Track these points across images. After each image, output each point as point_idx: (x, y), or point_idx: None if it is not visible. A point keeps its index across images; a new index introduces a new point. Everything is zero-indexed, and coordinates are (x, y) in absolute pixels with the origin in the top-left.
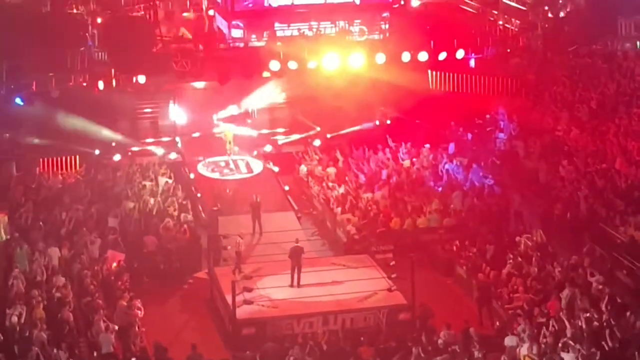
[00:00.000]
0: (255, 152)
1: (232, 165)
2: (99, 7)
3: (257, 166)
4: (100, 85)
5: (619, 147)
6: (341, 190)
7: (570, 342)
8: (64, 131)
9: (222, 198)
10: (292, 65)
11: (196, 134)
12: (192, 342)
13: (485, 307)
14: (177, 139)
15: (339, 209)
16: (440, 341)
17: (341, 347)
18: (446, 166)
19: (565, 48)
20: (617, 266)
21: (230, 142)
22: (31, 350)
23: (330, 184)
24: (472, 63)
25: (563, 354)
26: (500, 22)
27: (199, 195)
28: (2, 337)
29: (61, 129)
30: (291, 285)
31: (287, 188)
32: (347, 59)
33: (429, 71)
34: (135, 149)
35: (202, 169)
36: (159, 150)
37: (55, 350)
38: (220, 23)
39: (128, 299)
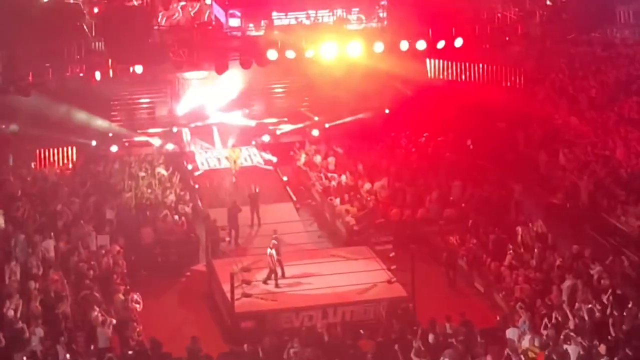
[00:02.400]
0: (253, 142)
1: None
2: None
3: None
4: (97, 75)
5: (619, 136)
6: (340, 180)
7: (572, 334)
8: (61, 122)
9: (220, 189)
10: (290, 54)
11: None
12: (191, 335)
13: (452, 269)
14: (175, 129)
15: (338, 200)
16: (440, 334)
17: (341, 340)
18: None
19: (564, 36)
20: (619, 257)
21: (235, 162)
22: (29, 345)
23: (329, 174)
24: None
25: (565, 346)
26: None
27: (196, 186)
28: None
29: (58, 120)
30: (282, 277)
31: (285, 179)
32: (345, 48)
33: (428, 60)
34: (132, 139)
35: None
36: (156, 141)
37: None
38: (218, 12)
39: (125, 292)
